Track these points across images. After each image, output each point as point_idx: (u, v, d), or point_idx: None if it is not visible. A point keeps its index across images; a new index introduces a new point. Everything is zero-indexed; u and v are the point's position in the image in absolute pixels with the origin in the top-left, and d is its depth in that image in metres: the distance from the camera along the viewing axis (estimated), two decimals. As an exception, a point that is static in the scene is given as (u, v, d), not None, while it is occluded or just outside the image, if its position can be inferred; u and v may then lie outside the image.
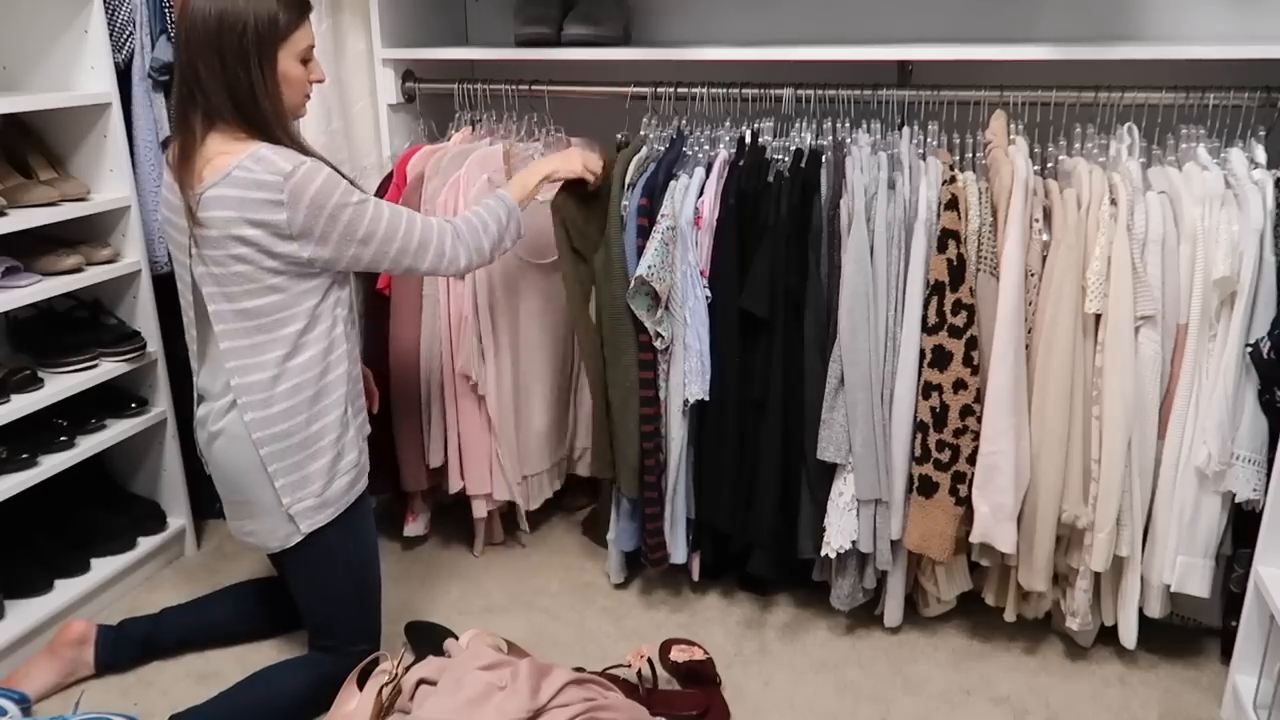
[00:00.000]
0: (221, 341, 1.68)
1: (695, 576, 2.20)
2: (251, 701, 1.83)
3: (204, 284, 1.66)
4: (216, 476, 1.80)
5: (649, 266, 1.92)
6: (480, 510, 2.33)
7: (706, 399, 1.97)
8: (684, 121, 2.14)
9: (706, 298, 1.95)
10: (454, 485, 2.30)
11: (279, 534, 1.77)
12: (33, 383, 2.03)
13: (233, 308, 1.66)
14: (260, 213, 1.59)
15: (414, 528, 2.40)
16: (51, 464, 2.06)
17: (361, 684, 1.81)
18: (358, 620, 1.91)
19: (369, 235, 1.68)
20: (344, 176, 1.69)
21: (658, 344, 1.99)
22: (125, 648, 1.99)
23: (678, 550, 2.11)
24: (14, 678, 1.90)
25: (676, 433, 2.02)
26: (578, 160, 2.00)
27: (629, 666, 1.89)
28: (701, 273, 1.96)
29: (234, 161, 1.59)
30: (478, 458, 2.28)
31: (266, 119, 1.63)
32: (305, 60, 1.69)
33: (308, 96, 1.74)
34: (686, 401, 1.98)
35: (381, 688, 1.76)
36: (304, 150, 1.68)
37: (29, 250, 2.05)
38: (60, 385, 2.07)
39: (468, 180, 2.16)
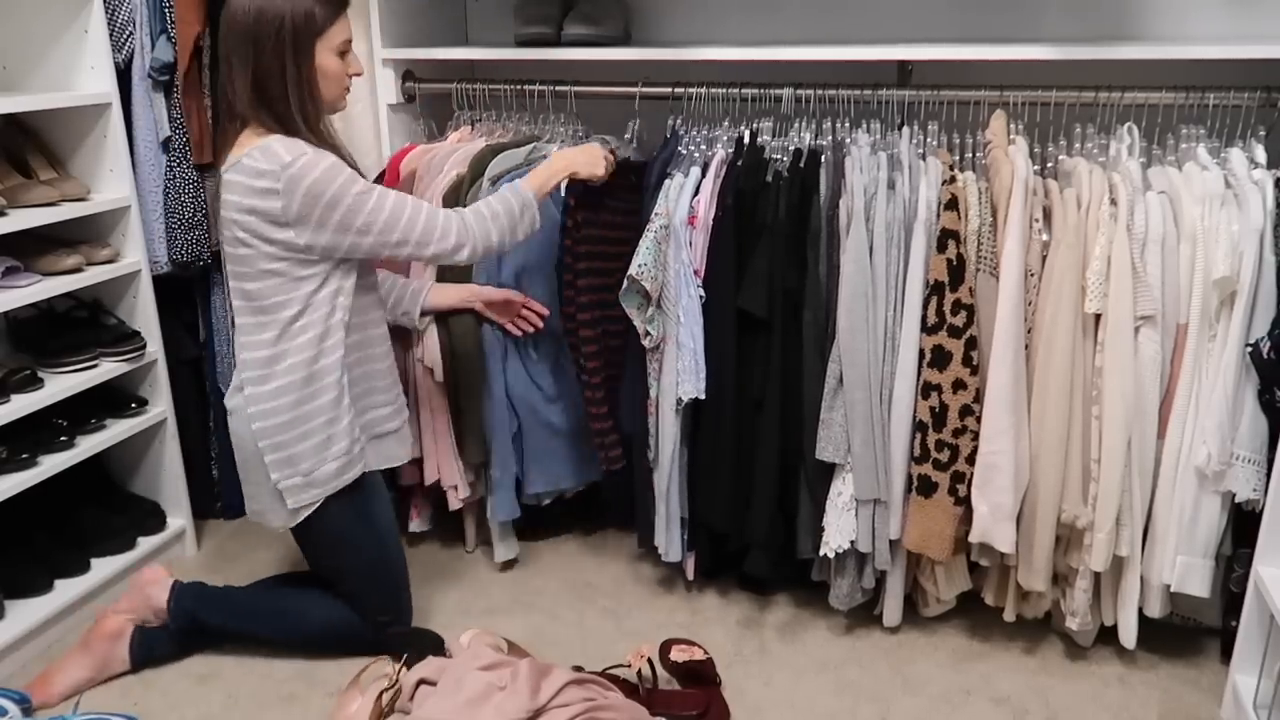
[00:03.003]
0: (236, 319, 1.79)
1: (690, 576, 2.20)
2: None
3: (227, 262, 1.78)
4: (235, 456, 1.88)
5: (640, 265, 1.92)
6: (454, 502, 2.32)
7: (702, 398, 1.97)
8: (679, 120, 2.14)
9: (700, 297, 1.95)
10: (429, 476, 2.28)
11: (278, 513, 1.84)
12: (33, 383, 2.03)
13: (240, 287, 1.77)
14: (255, 199, 1.69)
15: (418, 524, 2.40)
16: (51, 464, 2.06)
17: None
18: (377, 596, 1.96)
19: (367, 225, 1.74)
20: (355, 169, 1.77)
21: (646, 342, 1.99)
22: (161, 642, 1.98)
23: (672, 549, 2.11)
24: (49, 672, 1.90)
25: (669, 431, 2.02)
26: (600, 163, 1.96)
27: (629, 666, 1.89)
28: (696, 272, 1.96)
29: (245, 152, 1.70)
30: (448, 451, 2.27)
31: (286, 113, 1.71)
32: (343, 54, 1.76)
33: (347, 89, 1.81)
34: (680, 400, 1.98)
35: (382, 692, 1.76)
36: (327, 144, 1.75)
37: (29, 250, 2.05)
38: (60, 385, 2.07)
39: (445, 179, 2.17)
